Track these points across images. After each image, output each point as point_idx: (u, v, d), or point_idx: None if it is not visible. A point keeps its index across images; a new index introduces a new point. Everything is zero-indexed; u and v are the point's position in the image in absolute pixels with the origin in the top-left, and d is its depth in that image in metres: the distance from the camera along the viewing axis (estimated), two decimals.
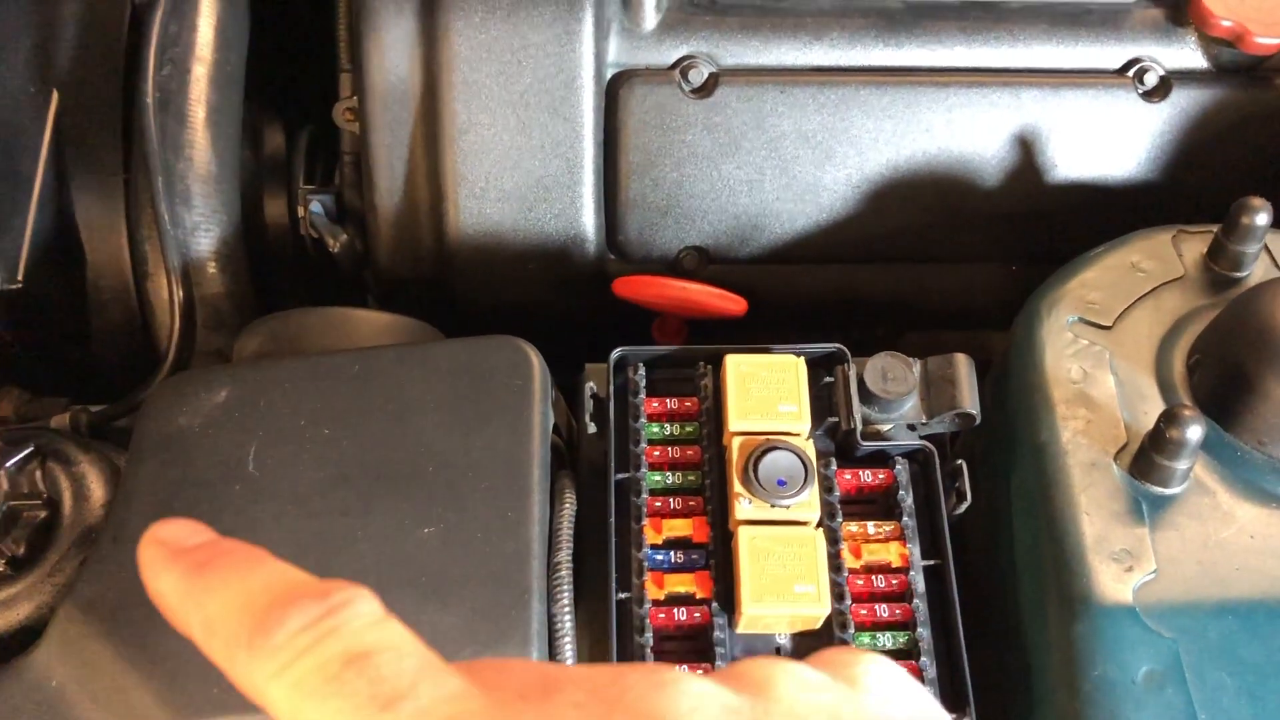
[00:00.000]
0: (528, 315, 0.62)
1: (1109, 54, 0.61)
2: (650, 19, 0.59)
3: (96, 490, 0.49)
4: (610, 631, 0.44)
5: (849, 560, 0.45)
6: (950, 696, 0.44)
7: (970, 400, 0.48)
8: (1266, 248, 0.52)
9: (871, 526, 0.46)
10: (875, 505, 0.47)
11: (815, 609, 0.43)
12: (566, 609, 0.43)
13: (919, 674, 0.43)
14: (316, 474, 0.45)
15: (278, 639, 0.24)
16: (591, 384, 0.49)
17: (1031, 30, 0.61)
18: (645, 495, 0.46)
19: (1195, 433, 0.43)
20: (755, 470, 0.44)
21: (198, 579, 0.27)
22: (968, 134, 0.60)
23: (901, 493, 0.47)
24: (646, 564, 0.45)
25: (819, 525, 0.45)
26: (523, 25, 0.56)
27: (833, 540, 0.45)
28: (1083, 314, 0.50)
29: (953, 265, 0.64)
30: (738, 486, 0.45)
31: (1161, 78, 0.60)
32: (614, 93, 0.59)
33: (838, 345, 0.49)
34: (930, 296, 0.65)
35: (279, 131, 0.70)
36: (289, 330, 0.54)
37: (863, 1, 0.61)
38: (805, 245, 0.61)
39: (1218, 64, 0.61)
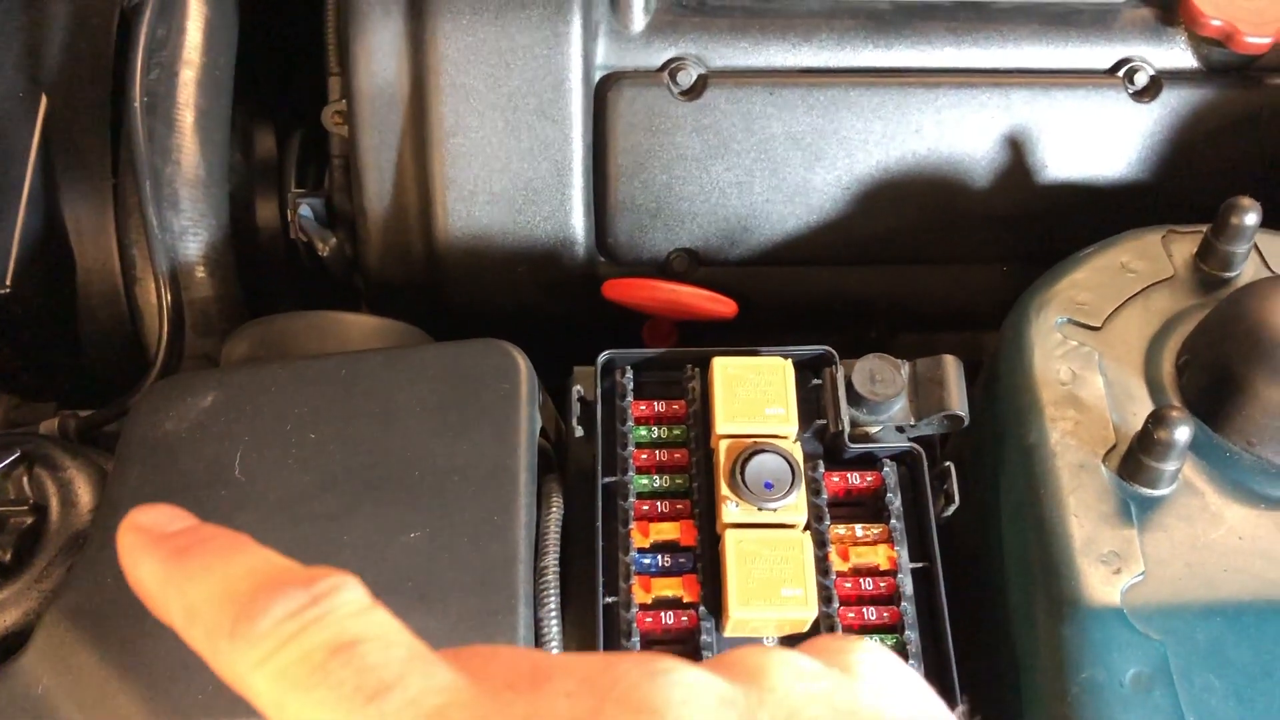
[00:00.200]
0: (518, 318, 0.62)
1: (1099, 54, 0.60)
2: (638, 21, 0.59)
3: (84, 496, 0.49)
4: (597, 636, 0.43)
5: (837, 563, 0.45)
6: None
7: (959, 402, 0.48)
8: (1256, 248, 0.52)
9: (859, 529, 0.46)
10: (863, 508, 0.47)
11: (803, 612, 0.43)
12: (553, 613, 0.43)
13: None
14: (302, 478, 0.45)
15: (261, 627, 0.24)
16: (579, 387, 0.49)
17: (1021, 30, 0.60)
18: (632, 499, 0.46)
19: (1183, 434, 0.43)
20: (742, 473, 0.44)
21: (178, 565, 0.26)
22: (957, 135, 0.60)
23: (889, 495, 0.46)
24: (634, 568, 0.44)
25: (806, 528, 0.45)
26: (510, 28, 0.56)
27: (820, 543, 0.45)
28: (1072, 315, 0.50)
29: (944, 266, 0.63)
30: (725, 490, 0.44)
31: (1152, 78, 0.60)
32: (603, 95, 0.58)
33: (825, 347, 0.49)
34: (922, 298, 0.65)
35: (270, 135, 0.70)
36: (276, 334, 0.54)
37: (852, 2, 0.61)
38: (795, 247, 0.61)
39: (1208, 64, 0.61)
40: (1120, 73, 0.60)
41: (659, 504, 0.46)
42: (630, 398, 0.48)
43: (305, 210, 0.64)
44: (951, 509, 0.47)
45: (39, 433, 0.54)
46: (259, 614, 0.24)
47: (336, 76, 0.63)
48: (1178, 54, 0.61)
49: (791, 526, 0.44)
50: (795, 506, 0.44)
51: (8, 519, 0.47)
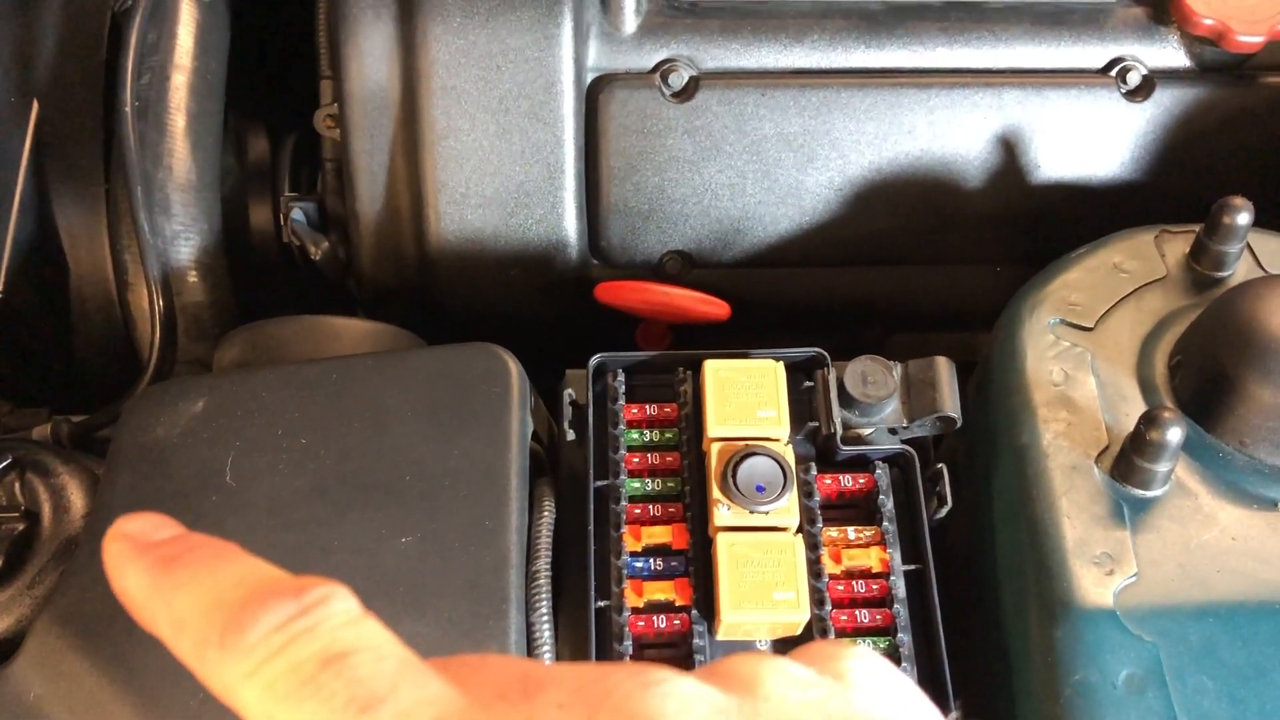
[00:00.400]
0: (511, 321, 0.62)
1: (1091, 53, 0.60)
2: (630, 22, 0.59)
3: (76, 501, 0.49)
4: (589, 640, 0.43)
5: (829, 566, 0.45)
6: (931, 701, 0.44)
7: (951, 403, 0.48)
8: (1249, 247, 0.52)
9: (852, 531, 0.46)
10: (856, 510, 0.47)
11: (795, 615, 0.43)
12: (545, 617, 0.43)
13: None
14: (294, 484, 0.45)
15: (250, 638, 0.24)
16: (570, 391, 0.49)
17: (1013, 30, 0.60)
18: (624, 502, 0.46)
19: (1175, 434, 0.43)
20: (734, 476, 0.44)
21: (165, 575, 0.26)
22: (950, 135, 0.60)
23: (882, 497, 0.46)
24: (626, 571, 0.44)
25: (798, 531, 0.45)
26: (501, 30, 0.56)
27: (812, 546, 0.45)
28: (1064, 315, 0.50)
29: (938, 267, 0.63)
30: (716, 493, 0.44)
31: (1144, 77, 0.60)
32: (594, 97, 0.58)
33: (817, 349, 0.49)
34: (917, 299, 0.64)
35: (264, 138, 0.70)
36: (268, 339, 0.54)
37: (843, 3, 0.61)
38: (788, 249, 0.61)
39: (1200, 63, 0.61)
40: (1113, 72, 0.60)
41: (651, 507, 0.46)
42: (622, 401, 0.48)
43: (298, 214, 0.64)
44: (944, 511, 0.47)
45: (31, 438, 0.54)
46: (248, 624, 0.24)
47: (328, 80, 0.63)
48: (1170, 53, 0.61)
49: (783, 529, 0.44)
50: (787, 509, 0.44)
51: (0, 525, 0.47)
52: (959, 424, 0.48)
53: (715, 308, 0.61)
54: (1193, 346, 0.48)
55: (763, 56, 0.59)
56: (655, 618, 0.44)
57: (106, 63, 0.61)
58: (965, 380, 0.51)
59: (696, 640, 0.43)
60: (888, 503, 0.46)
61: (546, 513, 0.46)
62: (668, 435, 0.48)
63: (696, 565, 0.45)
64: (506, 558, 0.43)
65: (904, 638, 0.44)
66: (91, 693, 0.41)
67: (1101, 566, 0.43)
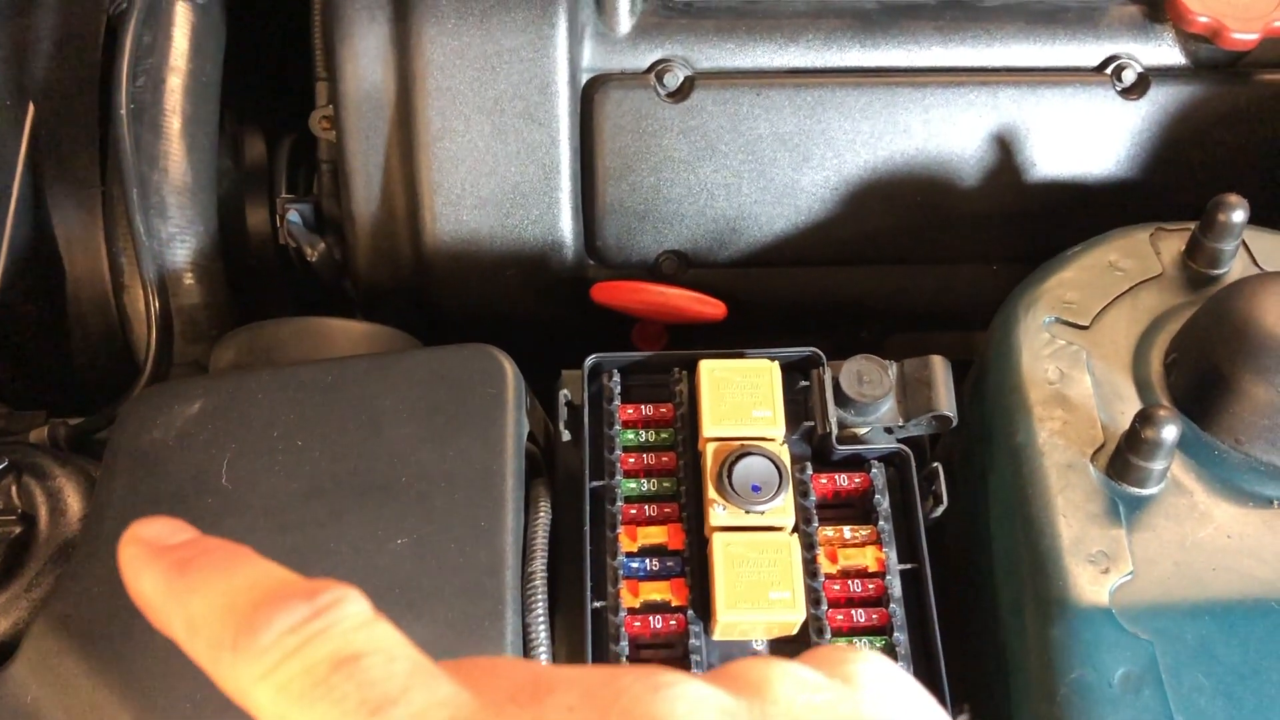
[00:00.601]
0: (507, 322, 0.62)
1: (1086, 52, 0.60)
2: (625, 23, 0.59)
3: (73, 504, 0.49)
4: (585, 640, 0.43)
5: (825, 565, 0.45)
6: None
7: (947, 402, 0.48)
8: (1244, 245, 0.52)
9: (848, 531, 0.46)
10: (852, 509, 0.47)
11: (791, 615, 0.43)
12: (541, 618, 0.43)
13: None
14: (289, 486, 0.45)
15: (264, 640, 0.24)
16: (566, 391, 0.49)
17: (1008, 29, 0.60)
18: (620, 502, 0.46)
19: (1171, 433, 0.43)
20: (729, 476, 0.44)
21: (180, 578, 0.26)
22: (946, 134, 0.60)
23: (878, 496, 0.46)
24: (621, 572, 0.44)
25: (794, 530, 0.45)
26: (496, 31, 0.56)
27: (808, 545, 0.45)
28: (1060, 314, 0.50)
29: (933, 266, 0.63)
30: (712, 493, 0.44)
31: (1139, 75, 0.60)
32: (589, 97, 0.58)
33: (812, 349, 0.49)
34: (913, 298, 0.64)
35: (260, 140, 0.70)
36: (264, 341, 0.54)
37: (838, 2, 0.61)
38: (784, 248, 0.61)
39: (1195, 60, 0.61)
40: (1108, 70, 0.60)
41: (647, 508, 0.46)
42: (617, 401, 0.48)
43: (294, 216, 0.64)
44: (940, 510, 0.47)
45: (28, 441, 0.54)
46: (261, 627, 0.24)
47: (323, 81, 0.63)
48: (1165, 51, 0.61)
49: (779, 529, 0.44)
50: (783, 509, 0.44)
51: None
52: (955, 423, 0.48)
53: (711, 307, 0.61)
54: (1188, 344, 0.48)
55: (758, 56, 0.59)
56: (651, 618, 0.44)
57: (102, 66, 0.61)
58: (962, 379, 0.51)
59: (693, 640, 0.43)
60: (883, 502, 0.46)
61: (542, 513, 0.46)
62: (663, 435, 0.48)
63: (692, 565, 0.45)
64: (502, 559, 0.43)
65: (900, 637, 0.44)
66: (89, 695, 0.41)
67: (1097, 565, 0.43)
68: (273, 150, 0.70)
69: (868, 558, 0.45)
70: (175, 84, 0.60)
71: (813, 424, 0.48)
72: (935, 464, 0.47)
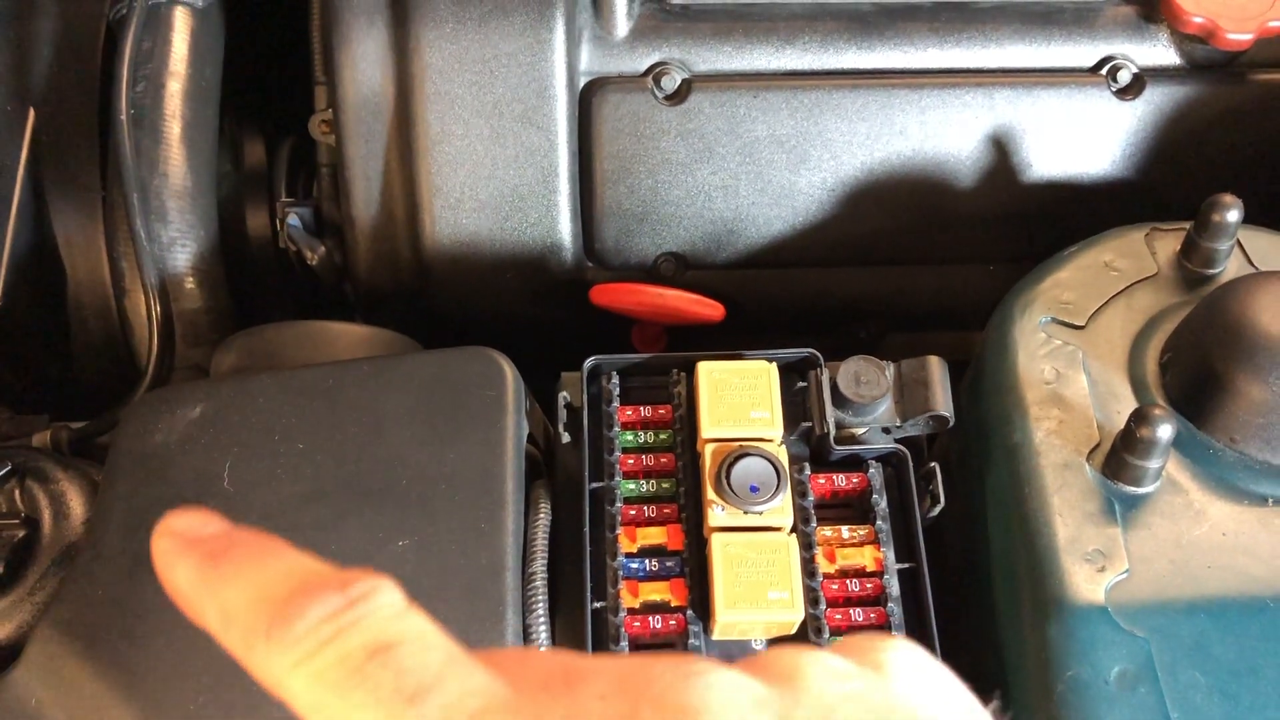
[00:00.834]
0: (507, 325, 0.62)
1: (1082, 52, 0.61)
2: (622, 26, 0.59)
3: (76, 508, 0.49)
4: (586, 641, 0.44)
5: (823, 565, 0.45)
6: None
7: (944, 402, 0.48)
8: (1239, 244, 0.52)
9: (846, 531, 0.46)
10: (849, 509, 0.47)
11: (789, 615, 0.43)
12: (541, 619, 0.43)
13: None
14: (291, 489, 0.45)
15: (298, 629, 0.24)
16: (565, 393, 0.49)
17: (1004, 30, 0.61)
18: (619, 504, 0.46)
19: (1165, 431, 0.43)
20: (728, 477, 0.44)
21: (214, 569, 0.26)
22: (942, 135, 0.60)
23: (875, 496, 0.47)
24: (621, 572, 0.45)
25: (792, 531, 0.45)
26: (494, 35, 0.56)
27: (806, 545, 0.45)
28: (1056, 314, 0.50)
29: (931, 267, 0.64)
30: (711, 494, 0.45)
31: (1134, 75, 0.60)
32: (587, 100, 0.59)
33: (810, 350, 0.49)
34: (911, 298, 0.65)
35: (260, 144, 0.70)
36: (265, 344, 0.54)
37: (834, 5, 0.61)
38: (782, 250, 0.62)
39: (1190, 61, 0.61)
40: (1103, 71, 0.60)
41: (646, 509, 0.46)
42: (616, 403, 0.48)
43: (294, 219, 0.64)
44: (937, 509, 0.47)
45: (31, 445, 0.55)
46: (296, 616, 0.24)
47: (322, 85, 0.63)
48: (1160, 51, 0.61)
49: (777, 529, 0.45)
50: (781, 509, 0.45)
51: (0, 532, 0.47)
52: (952, 423, 0.49)
53: (710, 309, 0.61)
54: (1183, 344, 0.48)
55: (755, 59, 0.60)
56: (651, 618, 0.44)
57: (102, 71, 0.61)
58: (960, 379, 0.52)
59: (692, 641, 0.44)
60: (881, 502, 0.47)
61: (542, 515, 0.46)
62: (662, 437, 0.48)
63: (691, 566, 0.45)
64: (503, 560, 0.43)
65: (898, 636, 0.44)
66: (92, 699, 0.42)
67: (1093, 563, 0.44)
68: (272, 154, 0.70)
69: (865, 557, 0.46)
70: (175, 89, 0.60)
71: (810, 424, 0.48)
72: (932, 464, 0.48)
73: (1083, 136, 0.60)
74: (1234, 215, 0.50)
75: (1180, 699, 0.41)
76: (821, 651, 0.26)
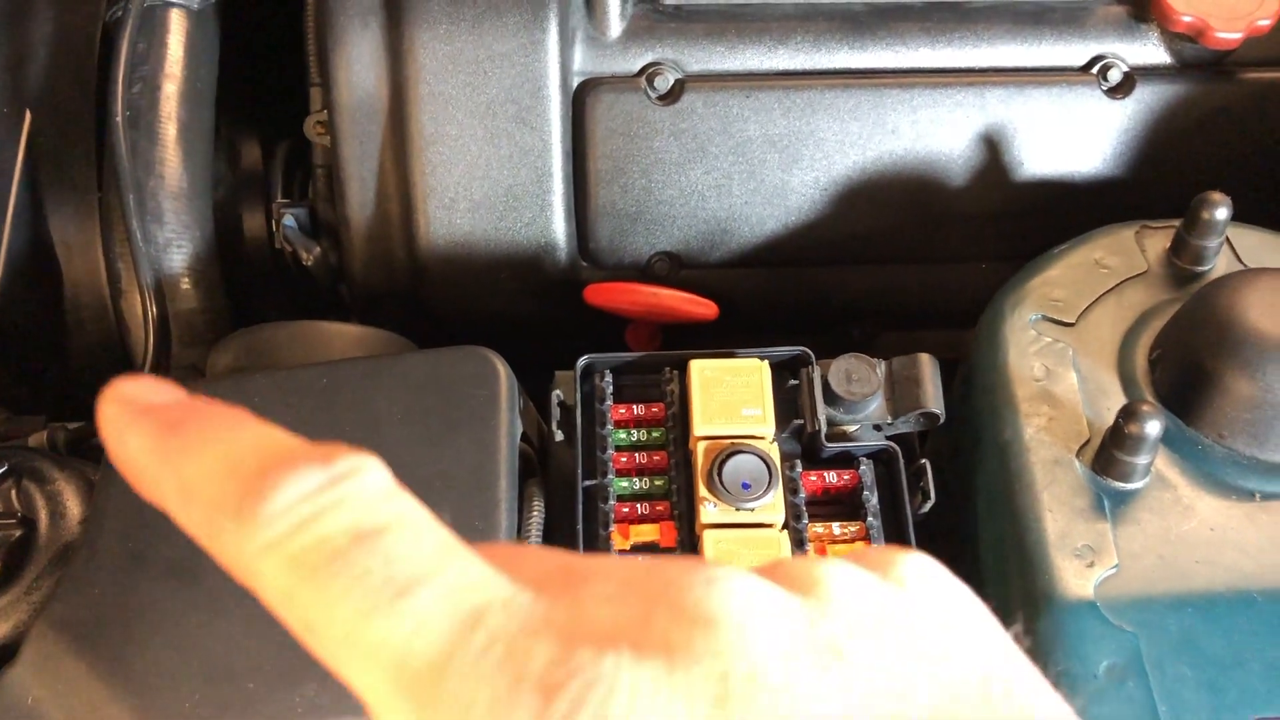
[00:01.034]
0: (502, 324, 0.63)
1: (1072, 52, 0.61)
2: (615, 27, 0.59)
3: (73, 508, 0.49)
4: None
5: None
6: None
7: (934, 400, 0.49)
8: (1228, 242, 0.53)
9: (837, 527, 0.47)
10: (841, 506, 0.48)
11: None
12: None
13: None
14: None
15: (273, 507, 0.21)
16: (559, 392, 0.50)
17: (995, 30, 0.61)
18: (613, 501, 0.46)
19: (1154, 427, 0.44)
20: (719, 474, 0.45)
21: (173, 437, 0.23)
22: (934, 135, 0.60)
23: (866, 493, 0.47)
24: None
25: (784, 527, 0.45)
26: (487, 36, 0.57)
27: (798, 542, 0.45)
28: (1046, 311, 0.51)
29: (923, 265, 0.64)
30: (703, 491, 0.45)
31: (1125, 74, 0.61)
32: (581, 101, 0.59)
33: (802, 348, 0.50)
34: (903, 297, 0.65)
35: (255, 146, 0.70)
36: (260, 344, 0.55)
37: (827, 5, 0.61)
38: (775, 249, 0.62)
39: (1181, 60, 0.61)
40: (1094, 70, 0.61)
41: (639, 506, 0.47)
42: (609, 401, 0.48)
43: (290, 220, 0.64)
44: (928, 506, 0.48)
45: (28, 445, 0.55)
46: (269, 492, 0.21)
47: (317, 87, 0.63)
48: (1150, 50, 0.61)
49: (769, 526, 0.45)
50: (772, 506, 0.45)
51: None
52: (942, 419, 0.49)
53: (703, 308, 0.61)
54: (1172, 340, 0.48)
55: (747, 59, 0.60)
56: None
57: (98, 73, 0.61)
58: (951, 377, 0.52)
59: None
60: (872, 498, 0.47)
61: (536, 512, 0.47)
62: (655, 434, 0.49)
63: None
64: None
65: None
66: (90, 697, 0.42)
67: (1083, 558, 0.44)
68: (268, 155, 0.70)
69: None
70: (171, 91, 0.61)
71: (802, 422, 0.49)
72: (923, 460, 0.48)
73: (1073, 135, 0.61)
74: (1223, 213, 0.51)
75: (1168, 693, 0.41)
76: (843, 562, 0.24)
